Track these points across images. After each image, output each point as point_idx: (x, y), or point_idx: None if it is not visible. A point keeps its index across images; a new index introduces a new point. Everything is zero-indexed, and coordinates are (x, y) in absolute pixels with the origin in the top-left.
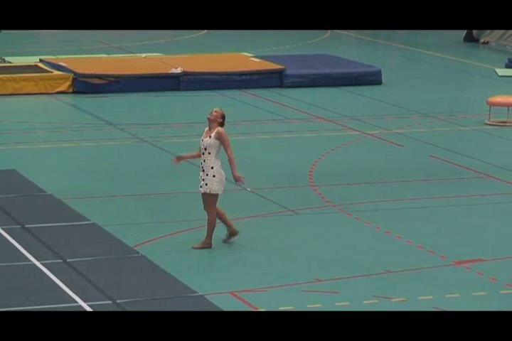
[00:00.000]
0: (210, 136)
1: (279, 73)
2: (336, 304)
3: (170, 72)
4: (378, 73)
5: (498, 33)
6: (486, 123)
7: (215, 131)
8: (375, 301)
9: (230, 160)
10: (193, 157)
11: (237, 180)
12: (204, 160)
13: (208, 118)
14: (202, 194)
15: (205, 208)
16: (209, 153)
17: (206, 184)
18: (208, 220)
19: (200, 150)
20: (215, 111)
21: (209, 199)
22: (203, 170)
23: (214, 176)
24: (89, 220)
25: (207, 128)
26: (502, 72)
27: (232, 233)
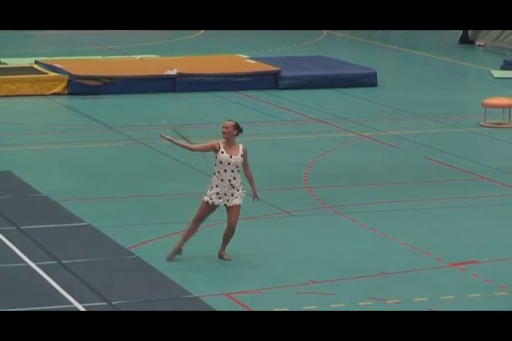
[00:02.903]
0: (241, 155)
1: (275, 75)
2: (331, 306)
3: (165, 73)
4: (373, 75)
5: (494, 34)
6: (481, 125)
7: (241, 148)
8: (370, 303)
9: (251, 177)
10: (182, 145)
11: (255, 196)
12: (234, 178)
13: (225, 138)
14: (232, 206)
15: (233, 223)
16: (238, 171)
17: (236, 197)
18: (232, 233)
19: (221, 164)
20: (226, 127)
21: (239, 211)
22: (233, 187)
23: (243, 189)
24: (85, 222)
25: (222, 143)
26: (497, 73)
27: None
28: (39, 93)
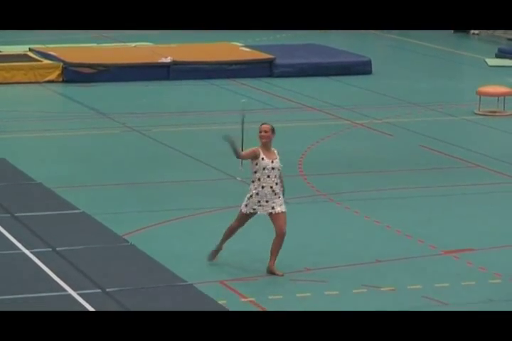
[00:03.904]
0: (278, 158)
1: (269, 63)
2: (325, 293)
3: (160, 61)
4: (368, 63)
5: None
6: (475, 113)
7: (276, 152)
8: (364, 290)
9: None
10: (235, 150)
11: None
12: (276, 184)
13: (264, 142)
14: (278, 213)
15: (283, 228)
16: (278, 175)
17: (281, 204)
18: (281, 242)
19: (264, 170)
20: (265, 131)
21: (286, 217)
22: (276, 193)
23: (282, 195)
24: (79, 209)
25: (261, 149)
26: (492, 62)
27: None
28: (33, 80)
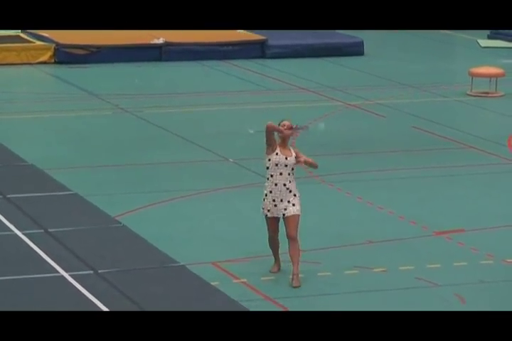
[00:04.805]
0: (294, 156)
1: (262, 44)
2: (318, 274)
3: (152, 42)
4: (360, 44)
5: None
6: (468, 94)
7: (292, 149)
8: (357, 271)
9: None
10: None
11: (298, 162)
12: (290, 181)
13: (282, 137)
14: (290, 216)
15: (291, 232)
16: (293, 173)
17: (294, 204)
18: (296, 247)
19: (276, 166)
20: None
21: (298, 221)
22: (290, 191)
23: (298, 195)
24: (71, 190)
25: (277, 145)
26: (484, 43)
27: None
28: (25, 62)
